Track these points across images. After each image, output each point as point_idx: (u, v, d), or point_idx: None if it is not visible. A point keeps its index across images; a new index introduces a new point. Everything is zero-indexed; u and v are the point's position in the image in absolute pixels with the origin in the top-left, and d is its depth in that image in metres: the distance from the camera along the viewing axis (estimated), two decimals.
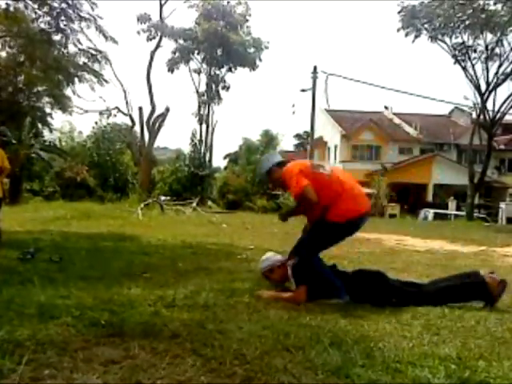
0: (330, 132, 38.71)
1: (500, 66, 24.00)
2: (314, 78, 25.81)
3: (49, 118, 27.52)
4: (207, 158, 33.88)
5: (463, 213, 26.13)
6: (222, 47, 32.36)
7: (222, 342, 2.70)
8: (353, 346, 2.70)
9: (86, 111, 26.51)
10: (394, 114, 40.84)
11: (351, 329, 3.13)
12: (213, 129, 34.19)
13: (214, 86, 34.05)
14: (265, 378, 2.23)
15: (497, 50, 23.75)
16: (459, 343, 2.92)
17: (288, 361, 2.46)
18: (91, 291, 3.89)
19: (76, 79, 15.69)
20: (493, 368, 2.47)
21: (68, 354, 2.45)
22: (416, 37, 24.21)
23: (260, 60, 33.23)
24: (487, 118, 24.99)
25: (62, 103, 19.86)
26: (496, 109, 24.61)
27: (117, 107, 28.08)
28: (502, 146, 35.14)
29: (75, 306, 3.30)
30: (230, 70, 33.76)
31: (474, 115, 27.55)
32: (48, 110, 25.16)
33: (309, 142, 30.61)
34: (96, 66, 16.67)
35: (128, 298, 3.72)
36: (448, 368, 2.41)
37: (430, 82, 75.26)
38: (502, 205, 28.63)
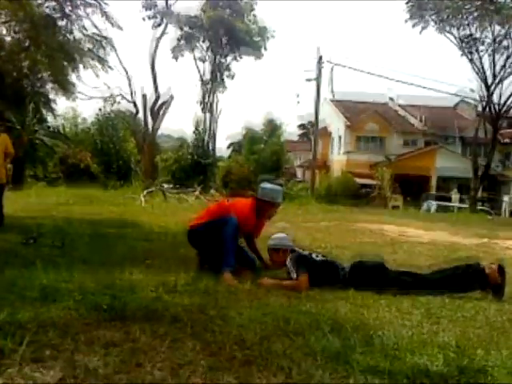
0: (334, 122, 38.56)
1: (508, 59, 23.83)
2: (319, 68, 25.70)
3: (53, 104, 27.50)
4: (210, 147, 33.85)
5: (466, 205, 26.10)
6: (227, 35, 32.21)
7: (222, 327, 2.72)
8: (352, 333, 2.72)
9: (91, 98, 26.48)
10: (399, 105, 40.65)
11: (351, 316, 3.15)
12: (217, 117, 34.14)
13: (218, 75, 33.95)
14: (264, 363, 2.25)
15: (505, 43, 23.57)
16: (458, 332, 2.94)
17: (287, 346, 2.47)
18: (93, 276, 3.91)
19: (80, 65, 15.65)
20: (491, 356, 2.48)
21: (69, 336, 2.46)
22: (423, 28, 24.05)
23: (265, 49, 33.12)
24: (493, 111, 24.86)
25: (66, 89, 19.82)
26: (502, 102, 24.48)
27: (121, 94, 28.06)
28: (507, 140, 34.97)
29: (77, 290, 3.31)
30: (235, 58, 33.64)
31: (480, 108, 27.41)
32: (52, 96, 25.14)
33: (313, 132, 30.52)
34: (101, 53, 16.62)
35: (130, 283, 3.73)
36: (447, 356, 2.42)
37: (435, 74, 74.73)
38: (506, 198, 28.55)
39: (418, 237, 9.85)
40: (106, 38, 16.70)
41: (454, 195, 29.05)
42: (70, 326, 2.61)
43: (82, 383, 2.00)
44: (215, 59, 33.91)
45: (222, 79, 34.16)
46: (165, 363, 2.21)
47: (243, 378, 2.10)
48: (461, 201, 28.46)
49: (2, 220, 7.52)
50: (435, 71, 77.57)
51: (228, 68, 34.26)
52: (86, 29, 14.85)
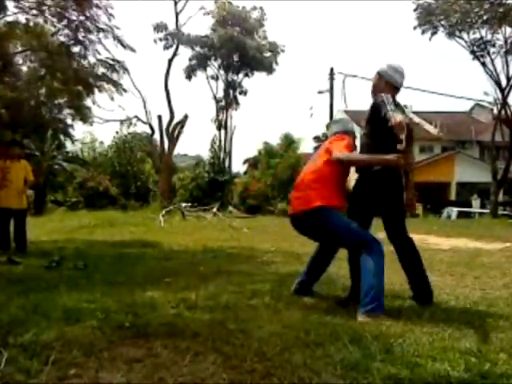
0: None
1: None
2: (331, 80, 25.78)
3: (70, 130, 28.04)
4: (226, 164, 34.05)
5: (487, 210, 25.69)
6: (238, 53, 32.57)
7: (243, 341, 2.75)
8: (372, 341, 2.72)
9: (107, 121, 26.87)
10: (414, 112, 40.45)
11: (371, 326, 3.14)
12: (231, 134, 34.38)
13: (231, 92, 34.28)
14: (285, 374, 2.27)
15: None
16: (481, 337, 2.91)
17: (308, 357, 2.49)
18: (115, 296, 3.98)
19: (95, 89, 15.96)
20: None
21: (93, 355, 2.52)
22: (433, 34, 23.96)
23: (276, 64, 33.36)
24: (509, 113, 24.59)
25: (83, 114, 20.22)
26: None
27: (136, 116, 28.43)
28: None
29: (100, 310, 3.38)
30: (246, 75, 33.95)
31: (496, 111, 27.13)
32: (69, 122, 25.63)
33: None
34: (114, 76, 16.95)
35: (151, 302, 3.79)
36: (468, 361, 2.41)
37: (448, 80, 74.28)
38: None
39: (439, 244, 9.75)
40: (118, 61, 17.00)
41: (475, 201, 28.66)
42: (94, 345, 2.66)
43: None
44: (227, 77, 34.30)
45: (235, 96, 34.47)
46: (187, 377, 2.25)
47: None
48: (482, 206, 28.06)
49: (25, 246, 7.67)
50: (447, 78, 77.09)
51: (240, 85, 34.58)
52: (99, 53, 15.18)
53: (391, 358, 2.48)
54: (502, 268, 6.20)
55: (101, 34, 14.47)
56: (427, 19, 23.54)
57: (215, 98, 34.76)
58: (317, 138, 54.39)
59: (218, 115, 34.53)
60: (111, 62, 16.81)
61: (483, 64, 24.17)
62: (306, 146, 39.86)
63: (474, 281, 5.24)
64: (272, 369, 2.33)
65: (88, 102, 18.25)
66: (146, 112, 28.22)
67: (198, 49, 33.27)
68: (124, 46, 15.47)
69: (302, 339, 2.79)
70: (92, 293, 4.07)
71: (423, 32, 24.06)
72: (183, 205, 22.32)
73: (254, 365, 2.38)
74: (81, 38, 14.22)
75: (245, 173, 39.07)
